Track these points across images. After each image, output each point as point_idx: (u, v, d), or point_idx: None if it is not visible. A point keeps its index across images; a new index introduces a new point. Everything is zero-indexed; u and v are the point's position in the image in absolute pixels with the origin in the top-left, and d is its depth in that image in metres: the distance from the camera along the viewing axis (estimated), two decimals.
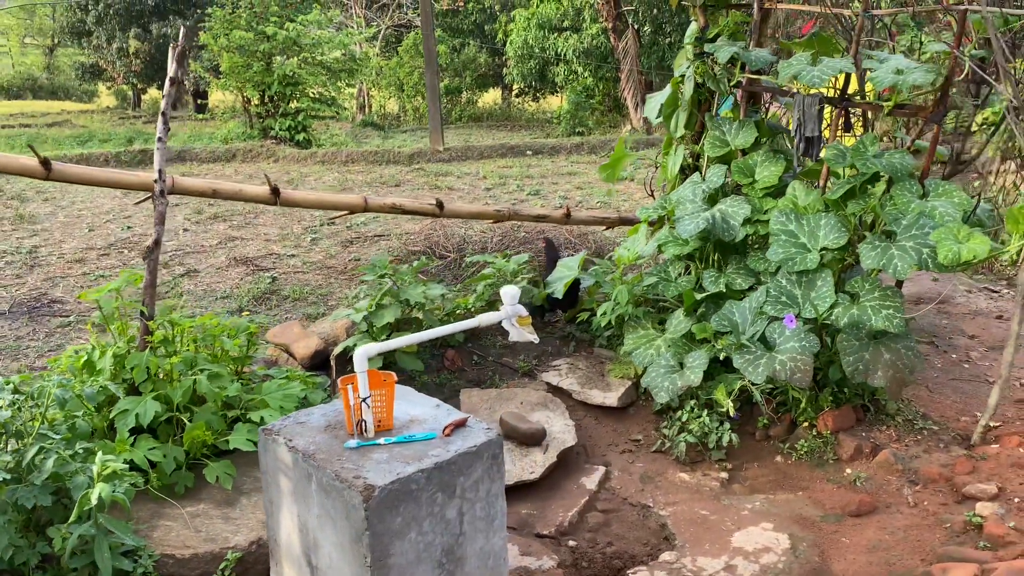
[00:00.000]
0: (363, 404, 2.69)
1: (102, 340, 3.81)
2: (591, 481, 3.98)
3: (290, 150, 14.81)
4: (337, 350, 4.55)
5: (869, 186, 4.25)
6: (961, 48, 3.98)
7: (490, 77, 23.59)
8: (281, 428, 2.80)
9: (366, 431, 2.71)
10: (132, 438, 3.43)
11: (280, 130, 15.52)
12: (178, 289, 6.51)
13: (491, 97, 25.01)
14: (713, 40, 4.74)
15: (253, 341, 3.97)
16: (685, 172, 5.10)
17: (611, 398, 4.48)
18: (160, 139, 3.80)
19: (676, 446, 4.14)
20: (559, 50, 19.33)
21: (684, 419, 4.20)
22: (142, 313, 3.72)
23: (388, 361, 4.54)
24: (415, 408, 2.94)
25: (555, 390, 4.65)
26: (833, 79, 4.41)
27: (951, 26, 4.14)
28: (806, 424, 4.16)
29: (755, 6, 4.71)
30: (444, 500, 2.61)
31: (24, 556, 2.95)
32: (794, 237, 4.20)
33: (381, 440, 2.68)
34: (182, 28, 3.86)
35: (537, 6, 19.90)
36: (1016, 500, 3.52)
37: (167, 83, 3.84)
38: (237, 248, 7.86)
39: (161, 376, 3.65)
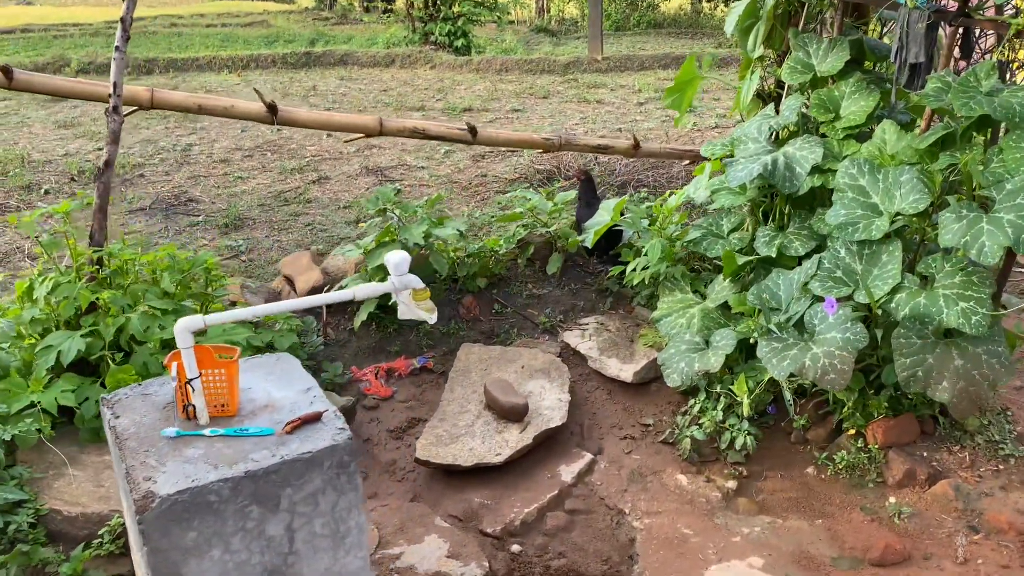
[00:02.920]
0: (188, 387, 2.25)
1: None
2: (569, 472, 3.37)
3: (447, 56, 14.43)
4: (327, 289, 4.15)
5: (977, 133, 3.22)
6: None
7: None
8: (122, 398, 2.42)
9: (196, 417, 2.28)
10: (49, 378, 3.20)
11: (440, 35, 15.09)
12: (306, 196, 6.48)
13: (679, 1, 23.25)
14: None
15: (213, 278, 3.63)
16: (766, 101, 4.17)
17: (627, 372, 3.79)
18: (118, 48, 3.44)
19: (681, 441, 3.43)
20: None
21: (696, 410, 3.47)
22: (90, 241, 3.46)
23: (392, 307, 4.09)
24: (281, 390, 2.46)
25: (572, 353, 4.02)
26: None
27: None
28: (852, 432, 3.31)
29: None
30: (263, 515, 2.15)
31: None
32: (864, 195, 3.27)
33: (207, 431, 2.24)
34: None
35: None
36: None
37: None
38: (372, 157, 7.75)
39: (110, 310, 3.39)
